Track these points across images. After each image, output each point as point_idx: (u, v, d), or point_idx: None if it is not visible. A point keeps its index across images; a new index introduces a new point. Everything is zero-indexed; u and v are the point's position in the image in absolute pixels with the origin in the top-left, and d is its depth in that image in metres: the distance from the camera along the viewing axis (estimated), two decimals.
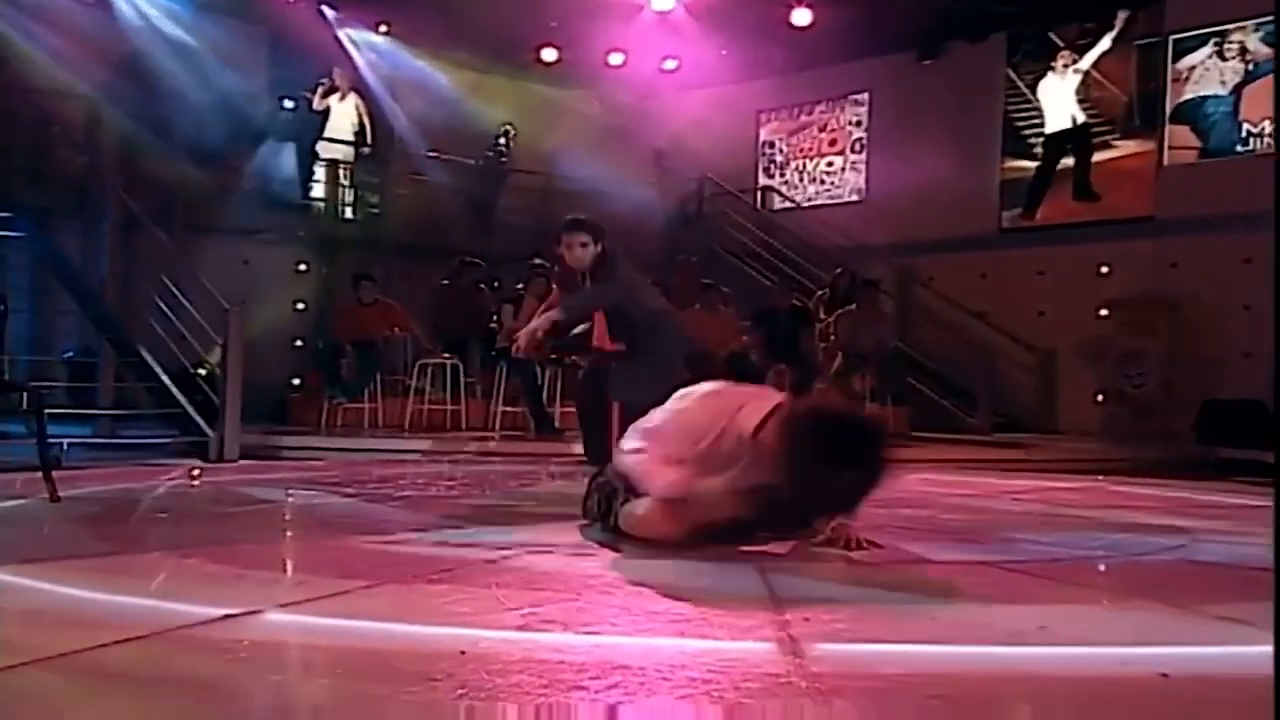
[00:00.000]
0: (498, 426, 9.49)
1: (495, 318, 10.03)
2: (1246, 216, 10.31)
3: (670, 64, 13.57)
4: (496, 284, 11.16)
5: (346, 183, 12.38)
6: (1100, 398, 11.24)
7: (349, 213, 12.45)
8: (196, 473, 5.81)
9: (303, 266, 11.57)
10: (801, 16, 11.42)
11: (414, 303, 10.56)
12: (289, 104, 11.98)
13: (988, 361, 11.50)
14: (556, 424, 9.35)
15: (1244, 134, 10.69)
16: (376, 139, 12.58)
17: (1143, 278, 11.13)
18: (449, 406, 9.77)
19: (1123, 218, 11.39)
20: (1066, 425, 11.45)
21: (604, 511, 3.54)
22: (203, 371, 8.94)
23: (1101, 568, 3.31)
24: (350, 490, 4.92)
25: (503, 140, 12.95)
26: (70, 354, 9.67)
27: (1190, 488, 6.29)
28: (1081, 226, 11.67)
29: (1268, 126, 10.53)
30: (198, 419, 7.92)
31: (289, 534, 3.60)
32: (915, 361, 11.59)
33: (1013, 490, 5.56)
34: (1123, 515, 4.64)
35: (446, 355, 9.85)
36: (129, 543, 3.40)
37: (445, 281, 10.71)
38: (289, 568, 2.85)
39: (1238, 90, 10.74)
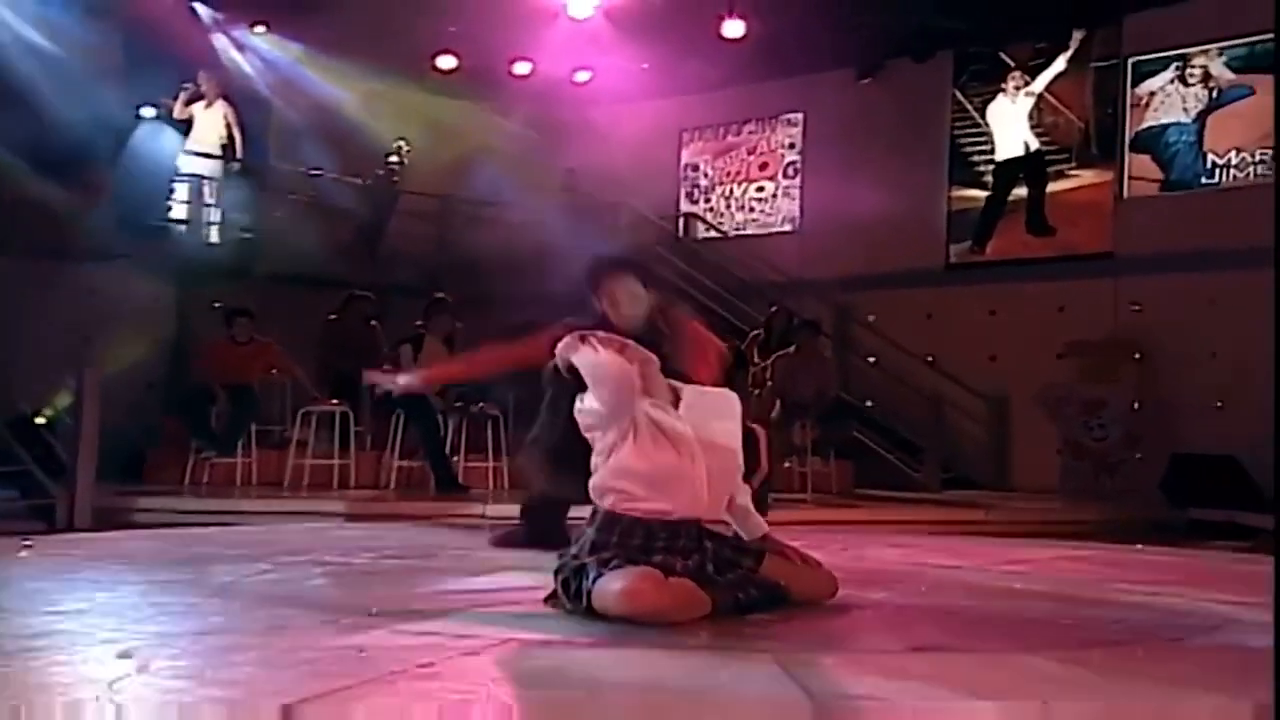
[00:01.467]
0: (393, 483, 9.43)
1: (396, 358, 9.82)
2: (1211, 254, 10.73)
3: (583, 75, 13.58)
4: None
5: (212, 202, 12.10)
6: (1059, 451, 11.47)
7: (214, 236, 12.17)
8: (29, 542, 5.38)
9: (162, 298, 11.23)
10: (734, 28, 11.51)
11: (293, 341, 10.33)
12: (149, 112, 11.66)
13: (934, 410, 11.70)
14: (460, 479, 9.34)
15: (1209, 165, 11.20)
16: (247, 153, 12.31)
17: (1102, 319, 11.55)
18: (337, 460, 9.53)
19: (1080, 254, 11.88)
20: (1021, 481, 11.71)
21: (574, 592, 3.41)
22: (41, 420, 8.60)
23: (1156, 656, 3.28)
24: (266, 565, 4.68)
25: (395, 158, 12.82)
26: None
27: (1184, 554, 6.39)
28: (1035, 263, 12.11)
29: (1233, 157, 11.01)
30: (42, 478, 7.58)
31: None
32: (857, 411, 11.71)
33: (1003, 559, 5.56)
34: (1139, 592, 4.65)
35: (334, 402, 9.63)
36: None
37: (332, 316, 10.50)
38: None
39: (1201, 118, 11.28)
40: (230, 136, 12.21)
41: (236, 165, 12.27)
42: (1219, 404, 10.50)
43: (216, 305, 10.15)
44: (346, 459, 9.60)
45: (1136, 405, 11.08)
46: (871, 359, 12.91)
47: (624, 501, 3.50)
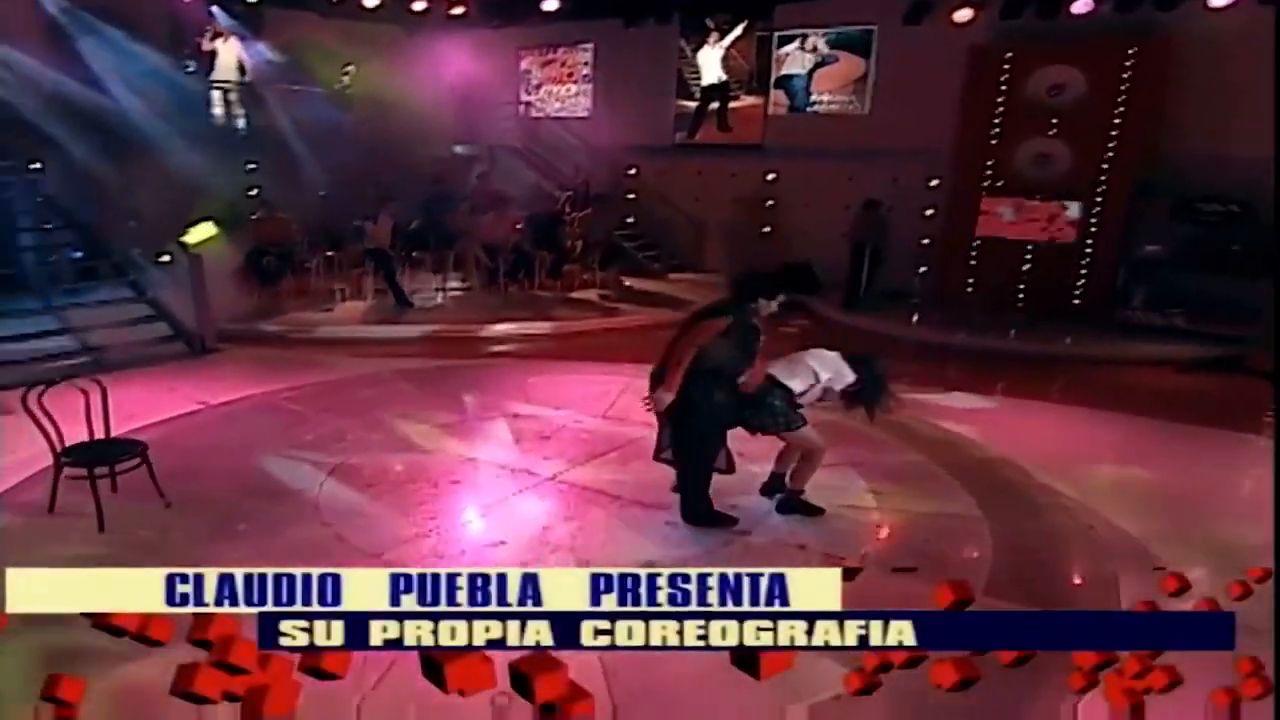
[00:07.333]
0: (370, 297, 11.50)
1: (361, 230, 11.40)
2: (811, 149, 13.49)
3: (458, 10, 14.80)
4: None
5: (238, 109, 13.28)
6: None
7: (242, 128, 13.32)
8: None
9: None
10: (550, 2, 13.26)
11: (292, 210, 11.82)
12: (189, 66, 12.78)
13: (666, 228, 14.47)
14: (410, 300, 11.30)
15: (813, 100, 13.65)
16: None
17: (754, 182, 14.05)
18: (336, 285, 11.48)
19: (744, 144, 13.98)
20: (711, 265, 14.33)
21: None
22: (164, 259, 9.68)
23: None
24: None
25: (345, 77, 13.89)
26: None
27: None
28: (722, 148, 14.19)
29: (826, 97, 13.51)
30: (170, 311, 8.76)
31: None
32: (623, 247, 14.04)
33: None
34: None
35: (329, 252, 11.71)
36: None
37: (322, 195, 12.32)
38: None
39: (811, 72, 13.57)
40: (240, 63, 13.32)
41: (246, 81, 13.27)
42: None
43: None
44: (344, 284, 11.59)
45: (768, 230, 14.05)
46: (631, 195, 14.82)
47: None
